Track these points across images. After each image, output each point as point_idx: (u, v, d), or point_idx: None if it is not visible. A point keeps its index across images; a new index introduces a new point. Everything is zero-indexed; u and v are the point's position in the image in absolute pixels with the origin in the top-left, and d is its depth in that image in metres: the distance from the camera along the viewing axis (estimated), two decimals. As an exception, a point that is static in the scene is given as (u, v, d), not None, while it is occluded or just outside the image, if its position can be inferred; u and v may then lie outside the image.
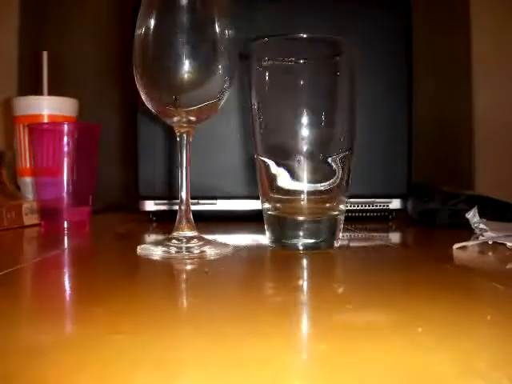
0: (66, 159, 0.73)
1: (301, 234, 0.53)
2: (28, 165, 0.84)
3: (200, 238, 0.52)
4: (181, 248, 0.50)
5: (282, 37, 0.54)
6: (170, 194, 0.82)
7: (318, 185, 0.53)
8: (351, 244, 0.65)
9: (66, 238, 0.68)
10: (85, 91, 1.10)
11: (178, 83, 0.49)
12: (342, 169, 0.54)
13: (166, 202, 0.83)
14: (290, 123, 0.53)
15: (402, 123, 0.85)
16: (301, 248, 0.53)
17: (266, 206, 0.55)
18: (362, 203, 0.85)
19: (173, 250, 0.50)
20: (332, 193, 0.54)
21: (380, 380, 0.21)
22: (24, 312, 0.33)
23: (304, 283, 0.41)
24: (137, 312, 0.32)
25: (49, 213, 0.75)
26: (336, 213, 0.54)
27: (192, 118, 0.51)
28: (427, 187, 0.81)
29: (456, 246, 0.56)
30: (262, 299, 0.36)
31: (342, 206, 0.55)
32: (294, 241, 0.54)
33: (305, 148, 0.52)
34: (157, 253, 0.50)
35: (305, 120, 0.52)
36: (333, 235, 0.55)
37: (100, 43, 1.25)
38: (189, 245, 0.51)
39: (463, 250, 0.55)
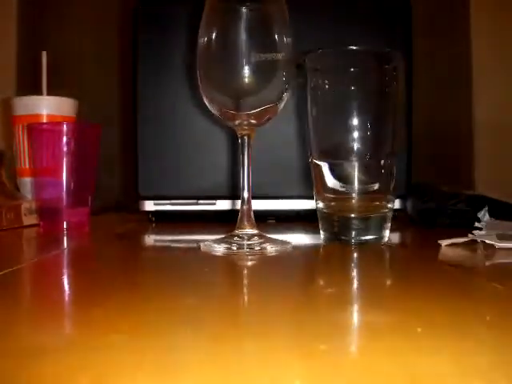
0: (65, 159, 0.73)
1: (352, 230, 0.58)
2: (27, 165, 0.84)
3: (261, 236, 0.54)
4: (242, 245, 0.53)
5: (335, 49, 0.62)
6: (170, 194, 0.82)
7: (367, 186, 0.58)
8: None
9: (65, 238, 0.68)
10: (84, 91, 1.10)
11: (240, 88, 0.52)
12: (390, 169, 0.58)
13: (165, 202, 0.83)
14: (342, 128, 0.58)
15: (401, 123, 0.85)
16: (352, 242, 0.58)
17: (320, 205, 0.60)
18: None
19: (234, 246, 0.53)
20: (380, 192, 0.58)
21: (379, 380, 0.21)
22: (23, 312, 0.33)
23: (301, 283, 0.41)
24: (136, 312, 0.32)
25: (48, 213, 0.75)
26: (385, 210, 0.59)
27: (253, 121, 0.54)
28: (427, 187, 0.81)
29: (443, 242, 0.56)
30: (261, 300, 0.36)
31: (390, 205, 0.59)
32: (346, 237, 0.58)
33: (355, 150, 0.57)
34: (219, 249, 0.53)
35: (355, 124, 0.57)
36: (381, 231, 0.59)
37: (100, 43, 1.25)
38: (250, 242, 0.53)
39: (462, 250, 0.55)
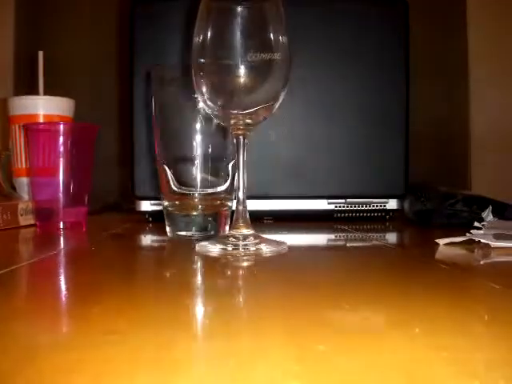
0: (61, 159, 0.73)
1: (193, 226, 0.64)
2: (24, 165, 0.84)
3: (256, 236, 0.54)
4: (237, 245, 0.53)
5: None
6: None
7: (208, 188, 0.64)
8: (348, 244, 0.65)
9: (62, 238, 0.68)
10: (81, 91, 1.09)
11: (235, 87, 0.52)
12: (230, 174, 0.64)
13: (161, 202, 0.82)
14: (185, 136, 0.63)
15: (398, 123, 0.85)
16: (194, 237, 0.63)
17: (166, 203, 0.65)
18: (359, 203, 0.85)
19: (230, 247, 0.53)
20: (221, 194, 0.64)
21: (377, 380, 0.21)
22: (21, 312, 0.33)
23: (301, 283, 0.41)
24: (134, 311, 0.32)
25: (45, 213, 0.74)
26: (224, 209, 0.65)
27: (248, 121, 0.54)
28: (424, 187, 0.81)
29: (441, 241, 0.56)
30: (260, 298, 0.35)
31: (229, 204, 0.65)
32: (188, 232, 0.64)
33: (197, 156, 0.63)
34: (214, 250, 0.53)
35: (197, 132, 0.63)
36: (221, 227, 0.65)
37: (97, 43, 1.25)
38: (245, 242, 0.53)
39: (459, 250, 0.55)
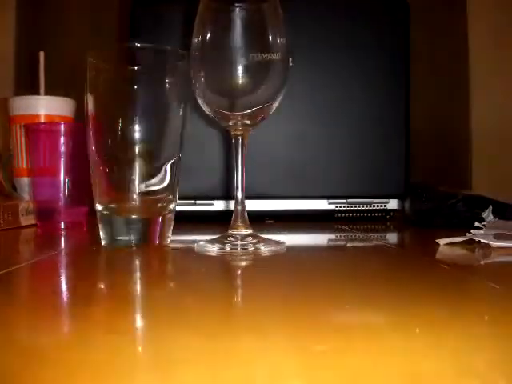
0: (62, 159, 0.73)
1: (131, 231, 0.57)
2: (25, 165, 0.84)
3: (254, 236, 0.55)
4: (236, 245, 0.53)
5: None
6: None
7: (147, 189, 0.57)
8: (349, 244, 0.65)
9: (62, 238, 0.68)
10: (82, 91, 1.09)
11: (234, 88, 0.52)
12: (171, 173, 0.58)
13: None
14: (123, 130, 0.56)
15: (399, 123, 0.85)
16: (133, 244, 0.56)
17: (99, 207, 0.58)
18: (359, 203, 0.85)
19: (228, 246, 0.53)
20: (162, 194, 0.58)
21: (377, 380, 0.21)
22: (22, 312, 0.33)
23: (301, 283, 0.41)
24: (134, 312, 0.32)
25: (45, 213, 0.75)
26: (166, 212, 0.58)
27: (246, 121, 0.54)
28: (425, 187, 0.81)
29: (442, 241, 0.56)
30: (259, 298, 0.36)
31: (171, 206, 0.59)
32: (125, 238, 0.57)
33: (136, 153, 0.56)
34: (213, 249, 0.53)
35: (137, 127, 0.56)
36: (162, 233, 0.58)
37: (97, 43, 1.25)
38: (244, 242, 0.53)
39: (459, 250, 0.55)
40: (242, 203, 0.55)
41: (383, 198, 0.85)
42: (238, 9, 0.51)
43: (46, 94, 0.86)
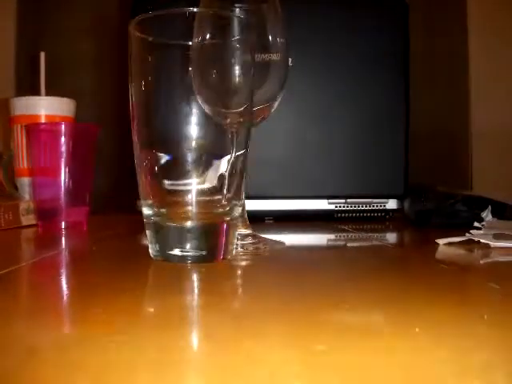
0: (63, 159, 0.73)
1: (187, 242, 0.46)
2: (25, 165, 0.84)
3: (254, 236, 0.54)
4: (236, 244, 0.51)
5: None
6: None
7: (206, 188, 0.47)
8: (348, 244, 0.65)
9: (63, 238, 0.68)
10: (82, 91, 1.10)
11: (232, 88, 0.50)
12: (235, 171, 0.48)
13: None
14: (176, 115, 0.47)
15: (398, 123, 0.85)
16: (188, 261, 0.46)
17: (147, 211, 0.48)
18: (359, 203, 0.85)
19: None
20: (223, 196, 0.48)
21: (377, 380, 0.21)
22: (22, 312, 0.33)
23: (301, 283, 0.41)
24: (136, 312, 0.32)
25: (46, 213, 0.75)
26: (228, 219, 0.48)
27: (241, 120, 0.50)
28: (424, 187, 0.81)
29: (441, 241, 0.56)
30: (261, 299, 0.36)
31: (235, 213, 0.49)
32: (179, 252, 0.46)
33: (192, 146, 0.46)
34: None
35: (194, 110, 0.46)
36: (228, 243, 0.48)
37: (98, 43, 1.25)
38: (244, 242, 0.53)
39: (459, 250, 0.55)
40: (242, 203, 0.54)
41: (383, 198, 0.85)
42: (237, 9, 0.50)
43: (47, 94, 0.86)
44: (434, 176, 1.19)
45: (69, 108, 0.87)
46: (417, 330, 0.28)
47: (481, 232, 0.59)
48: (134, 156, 0.48)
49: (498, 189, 1.04)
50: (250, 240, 0.54)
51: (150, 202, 0.47)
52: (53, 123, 0.82)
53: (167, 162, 0.47)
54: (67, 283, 0.42)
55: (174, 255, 0.46)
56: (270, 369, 0.22)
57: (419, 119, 0.99)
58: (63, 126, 0.75)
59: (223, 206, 0.48)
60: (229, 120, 0.49)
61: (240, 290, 0.40)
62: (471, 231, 0.59)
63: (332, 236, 0.74)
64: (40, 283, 0.42)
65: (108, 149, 1.16)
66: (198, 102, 0.47)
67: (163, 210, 0.47)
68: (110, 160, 1.19)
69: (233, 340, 0.27)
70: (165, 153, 0.47)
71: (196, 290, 0.39)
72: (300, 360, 0.23)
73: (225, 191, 0.48)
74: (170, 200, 0.48)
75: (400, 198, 0.85)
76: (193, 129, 0.46)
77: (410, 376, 0.22)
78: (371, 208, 0.85)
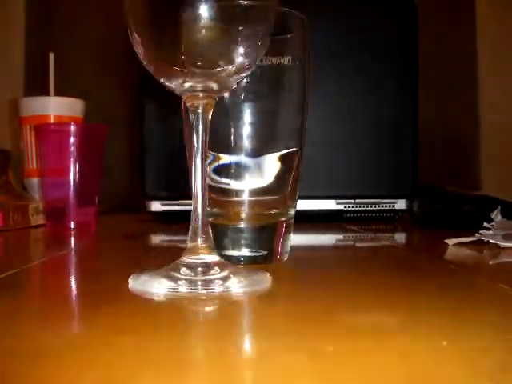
0: (72, 160, 0.73)
1: (242, 243, 0.45)
2: (34, 165, 0.85)
3: (223, 265, 0.37)
4: (194, 282, 0.35)
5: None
6: (177, 194, 0.82)
7: (260, 188, 0.46)
8: (357, 244, 0.65)
9: (72, 238, 0.68)
10: (91, 92, 1.10)
11: (192, 40, 0.35)
12: (288, 168, 0.47)
13: (172, 202, 0.83)
14: (229, 118, 0.45)
15: (407, 123, 0.85)
16: (241, 261, 0.45)
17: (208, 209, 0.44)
18: (367, 203, 0.85)
19: (182, 285, 0.35)
20: (277, 196, 0.47)
21: (388, 381, 0.21)
22: (30, 313, 0.33)
23: (304, 282, 0.41)
24: (142, 313, 0.32)
25: (55, 213, 0.75)
26: (283, 219, 0.47)
27: (213, 85, 0.37)
28: (433, 188, 0.81)
29: (450, 242, 0.56)
30: (268, 301, 0.36)
31: (291, 212, 0.48)
32: (234, 252, 0.45)
33: (246, 144, 0.45)
34: (158, 290, 0.35)
35: (246, 111, 0.45)
36: (283, 245, 0.47)
37: (107, 43, 1.25)
38: (206, 277, 0.36)
39: (468, 250, 0.55)
40: (203, 211, 0.38)
41: (391, 198, 0.85)
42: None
43: (56, 94, 0.86)
44: (443, 176, 1.19)
45: (78, 108, 0.87)
46: (426, 331, 0.28)
47: (490, 232, 0.59)
48: (187, 156, 0.46)
49: (507, 189, 1.04)
50: (216, 273, 0.39)
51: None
52: (62, 124, 0.82)
53: (221, 162, 0.46)
54: (75, 284, 0.42)
55: (230, 256, 0.44)
56: (280, 370, 0.22)
57: (428, 119, 0.98)
58: (72, 127, 0.75)
59: (278, 207, 0.46)
60: (187, 85, 0.37)
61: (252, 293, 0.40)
62: (480, 231, 0.58)
63: (341, 236, 0.74)
64: (48, 283, 0.42)
65: (117, 149, 1.16)
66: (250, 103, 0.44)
67: (218, 210, 0.46)
68: (120, 160, 1.20)
69: (241, 340, 0.26)
70: (218, 153, 0.46)
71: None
72: (310, 361, 0.23)
73: (281, 193, 0.46)
74: (225, 200, 0.46)
75: (409, 198, 0.84)
76: (245, 129, 0.45)
77: (421, 377, 0.22)
78: (380, 208, 0.85)
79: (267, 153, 0.46)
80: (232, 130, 0.45)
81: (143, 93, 0.83)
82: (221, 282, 0.35)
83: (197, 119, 0.38)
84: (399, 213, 0.87)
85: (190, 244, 0.37)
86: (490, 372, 0.22)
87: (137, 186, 0.87)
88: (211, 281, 0.35)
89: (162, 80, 0.37)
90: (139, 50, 0.36)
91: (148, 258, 0.55)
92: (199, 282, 0.35)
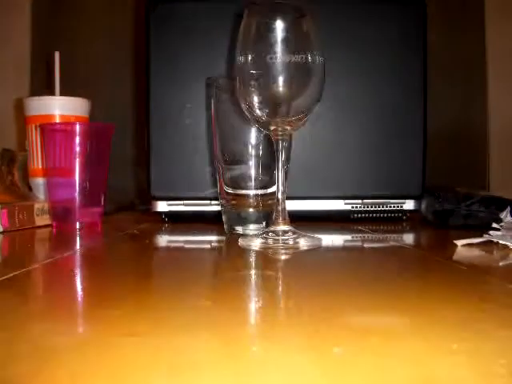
0: (77, 159, 0.73)
1: (248, 222, 0.68)
2: (40, 165, 0.85)
3: (294, 232, 0.58)
4: (277, 240, 0.57)
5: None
6: (183, 194, 0.82)
7: (260, 191, 0.68)
8: (365, 245, 0.65)
9: (78, 238, 0.68)
10: (97, 91, 1.10)
11: (276, 99, 0.56)
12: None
13: (178, 202, 0.82)
14: (240, 138, 0.67)
15: (416, 124, 0.84)
16: (247, 232, 0.67)
17: (222, 201, 0.69)
18: (376, 204, 0.84)
19: (270, 240, 0.57)
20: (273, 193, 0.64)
21: (396, 383, 0.21)
22: (37, 313, 0.33)
23: (312, 283, 0.41)
24: (151, 314, 0.32)
25: (61, 213, 0.75)
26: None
27: (287, 128, 0.58)
28: (441, 188, 0.80)
29: (459, 243, 0.56)
30: (275, 300, 0.35)
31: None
32: (243, 227, 0.68)
33: (252, 158, 0.67)
34: (256, 243, 0.57)
35: (251, 135, 0.66)
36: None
37: (112, 43, 1.25)
38: (284, 237, 0.57)
39: (477, 251, 0.54)
40: (283, 203, 0.59)
41: (399, 198, 0.85)
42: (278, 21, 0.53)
43: (61, 94, 0.86)
44: (452, 176, 1.18)
45: (83, 108, 0.87)
46: (435, 332, 0.27)
47: (499, 233, 0.58)
48: (214, 164, 0.70)
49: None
50: (290, 235, 0.57)
51: (223, 200, 0.69)
52: (67, 123, 0.82)
53: (234, 173, 0.68)
54: (82, 284, 0.42)
55: (238, 232, 0.68)
56: (288, 372, 0.22)
57: (437, 119, 0.98)
58: (78, 126, 0.75)
59: (273, 199, 0.64)
60: (272, 128, 0.58)
61: (259, 294, 0.40)
62: (490, 232, 0.58)
63: (349, 237, 0.74)
64: (55, 284, 0.42)
65: (123, 149, 1.16)
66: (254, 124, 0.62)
67: (234, 202, 0.69)
68: (126, 160, 1.20)
69: (249, 341, 0.26)
70: (232, 165, 0.68)
71: (209, 291, 0.39)
72: (319, 362, 0.23)
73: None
74: (237, 197, 0.68)
75: (417, 199, 0.84)
76: (254, 146, 0.67)
77: (431, 379, 0.21)
78: (388, 208, 0.85)
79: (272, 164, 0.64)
80: (243, 148, 0.67)
81: (150, 92, 0.83)
82: (292, 240, 0.57)
83: (278, 147, 0.59)
84: (407, 213, 0.86)
85: (275, 220, 0.59)
86: (500, 374, 0.22)
87: (143, 187, 0.87)
88: (287, 239, 0.57)
89: (258, 126, 0.60)
90: (247, 108, 0.58)
91: (154, 259, 0.55)
92: (280, 240, 0.57)
